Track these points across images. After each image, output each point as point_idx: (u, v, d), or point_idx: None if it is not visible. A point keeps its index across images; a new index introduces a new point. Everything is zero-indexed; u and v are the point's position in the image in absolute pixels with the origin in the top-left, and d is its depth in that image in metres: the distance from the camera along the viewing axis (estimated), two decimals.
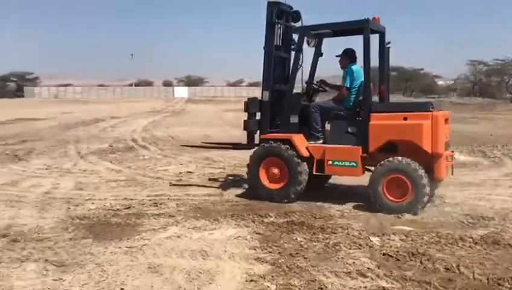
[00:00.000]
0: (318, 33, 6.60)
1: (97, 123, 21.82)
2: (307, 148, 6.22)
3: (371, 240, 4.76)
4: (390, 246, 4.57)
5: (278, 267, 4.05)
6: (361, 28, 6.02)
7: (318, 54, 6.90)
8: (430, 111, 5.71)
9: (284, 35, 6.88)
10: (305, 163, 6.18)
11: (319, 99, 7.14)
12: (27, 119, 24.24)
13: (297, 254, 4.41)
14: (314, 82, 6.92)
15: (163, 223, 5.45)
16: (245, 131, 7.05)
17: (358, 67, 6.42)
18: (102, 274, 3.95)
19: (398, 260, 4.22)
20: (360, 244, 4.63)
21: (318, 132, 6.41)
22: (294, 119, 6.43)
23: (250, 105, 6.89)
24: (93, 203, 6.46)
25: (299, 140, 6.21)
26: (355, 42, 6.35)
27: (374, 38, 6.24)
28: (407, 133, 5.67)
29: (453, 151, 6.44)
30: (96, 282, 3.79)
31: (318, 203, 6.29)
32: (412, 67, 59.96)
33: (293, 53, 6.75)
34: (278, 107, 6.69)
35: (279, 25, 6.76)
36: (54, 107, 40.97)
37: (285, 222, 5.46)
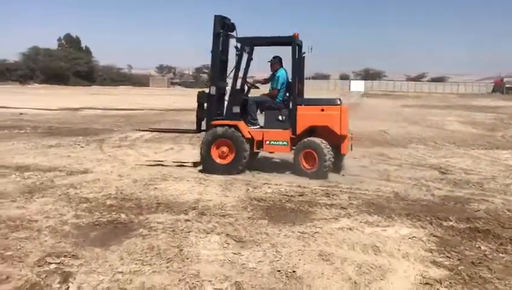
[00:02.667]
0: (255, 43, 8.02)
1: None
2: (248, 131, 7.77)
3: None
4: None
5: (457, 274, 3.76)
6: (289, 41, 7.77)
7: (250, 59, 8.18)
8: (339, 105, 7.71)
9: (224, 42, 8.18)
10: (247, 143, 7.69)
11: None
12: None
13: (480, 263, 4.02)
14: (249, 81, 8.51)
15: (335, 214, 5.48)
16: (197, 117, 8.38)
17: (284, 71, 8.15)
18: (276, 255, 4.15)
19: None
20: None
21: (254, 119, 8.14)
22: (236, 109, 7.94)
23: (200, 97, 8.27)
24: (269, 187, 6.81)
25: (243, 126, 7.80)
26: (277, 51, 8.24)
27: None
28: (324, 120, 7.65)
29: (352, 134, 8.15)
30: (270, 261, 4.00)
31: (508, 213, 5.64)
32: None
33: (231, 57, 8.19)
34: (220, 99, 8.23)
35: (222, 34, 8.06)
36: None
37: (467, 227, 5.02)
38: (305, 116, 7.69)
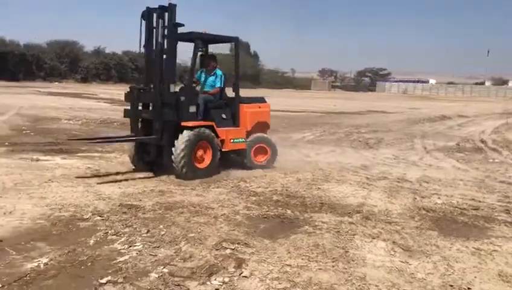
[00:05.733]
0: (206, 40, 7.85)
1: (443, 120, 21.48)
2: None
3: None
4: None
5: None
6: (232, 41, 8.08)
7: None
8: (266, 102, 8.47)
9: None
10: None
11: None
12: (377, 112, 26.05)
13: None
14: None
15: None
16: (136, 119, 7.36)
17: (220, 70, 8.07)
18: (447, 268, 3.90)
19: None
20: None
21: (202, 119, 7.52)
22: (192, 109, 7.27)
23: (128, 95, 7.30)
24: (439, 198, 6.42)
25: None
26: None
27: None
28: (263, 116, 8.33)
29: None
30: (441, 274, 3.78)
31: None
32: None
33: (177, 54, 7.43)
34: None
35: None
36: (402, 102, 42.60)
37: None
38: (252, 113, 8.10)
